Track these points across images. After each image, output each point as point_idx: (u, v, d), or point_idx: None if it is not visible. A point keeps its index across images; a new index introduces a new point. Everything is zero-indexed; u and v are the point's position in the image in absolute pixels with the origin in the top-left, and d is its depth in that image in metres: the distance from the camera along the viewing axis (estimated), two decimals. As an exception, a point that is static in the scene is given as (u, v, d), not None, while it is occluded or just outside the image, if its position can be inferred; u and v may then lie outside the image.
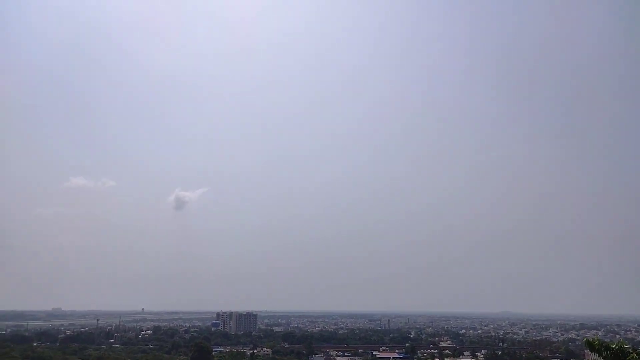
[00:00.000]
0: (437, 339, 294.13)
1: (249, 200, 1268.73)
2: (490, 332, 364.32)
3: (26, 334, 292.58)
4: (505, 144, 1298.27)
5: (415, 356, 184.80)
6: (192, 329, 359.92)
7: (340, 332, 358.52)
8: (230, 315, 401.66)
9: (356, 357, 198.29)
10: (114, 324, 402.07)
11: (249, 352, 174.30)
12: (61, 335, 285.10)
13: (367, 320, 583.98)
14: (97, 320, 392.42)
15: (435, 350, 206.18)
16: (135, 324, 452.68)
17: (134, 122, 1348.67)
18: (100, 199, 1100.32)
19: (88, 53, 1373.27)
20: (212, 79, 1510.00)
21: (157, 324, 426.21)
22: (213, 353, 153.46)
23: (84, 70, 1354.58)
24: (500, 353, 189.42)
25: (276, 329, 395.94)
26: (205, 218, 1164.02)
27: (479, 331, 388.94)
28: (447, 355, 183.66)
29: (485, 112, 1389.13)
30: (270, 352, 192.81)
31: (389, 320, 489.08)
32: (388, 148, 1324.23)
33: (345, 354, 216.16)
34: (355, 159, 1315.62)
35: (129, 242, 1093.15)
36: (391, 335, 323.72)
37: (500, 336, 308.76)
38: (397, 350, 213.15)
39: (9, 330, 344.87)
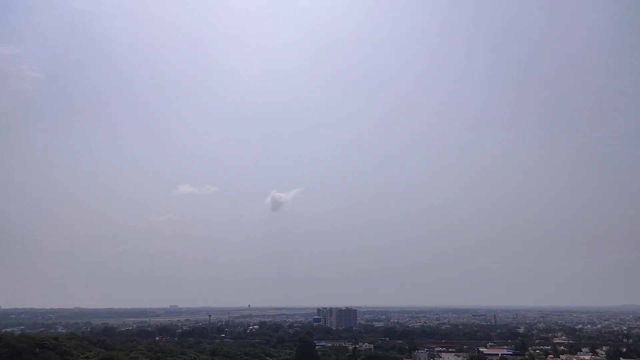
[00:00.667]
0: (550, 334, 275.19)
1: (342, 200, 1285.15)
2: (611, 327, 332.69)
3: (149, 329, 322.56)
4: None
5: (527, 353, 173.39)
6: (295, 324, 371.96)
7: (443, 327, 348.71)
8: (330, 310, 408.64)
9: (461, 354, 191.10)
10: (224, 320, 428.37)
11: (350, 347, 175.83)
12: (179, 330, 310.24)
13: (470, 316, 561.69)
14: (209, 316, 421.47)
15: (549, 347, 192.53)
16: (242, 320, 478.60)
17: (229, 130, 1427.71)
18: (204, 203, 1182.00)
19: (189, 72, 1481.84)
20: (303, 82, 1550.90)
21: (262, 319, 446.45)
22: (316, 348, 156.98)
23: (185, 91, 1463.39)
24: (625, 350, 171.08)
25: (376, 324, 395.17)
26: (301, 217, 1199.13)
27: (598, 326, 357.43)
28: (563, 352, 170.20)
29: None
30: (372, 347, 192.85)
31: (495, 315, 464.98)
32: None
33: (450, 349, 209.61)
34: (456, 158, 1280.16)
35: (231, 243, 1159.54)
36: (498, 330, 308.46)
37: (624, 331, 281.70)
38: (505, 347, 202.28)
39: (134, 325, 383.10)
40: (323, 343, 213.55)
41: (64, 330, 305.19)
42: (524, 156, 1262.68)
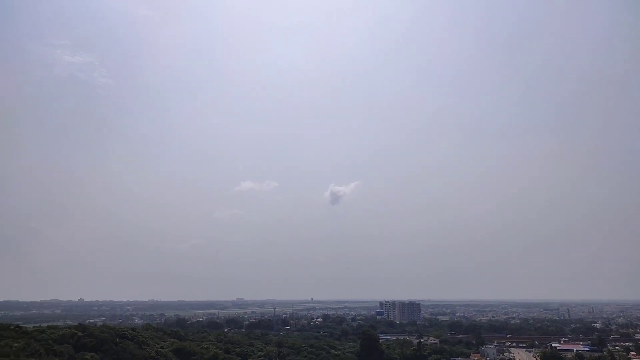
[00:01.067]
0: (630, 329, 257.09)
1: (402, 194, 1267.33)
2: None
3: (218, 320, 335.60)
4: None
5: (605, 349, 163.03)
6: (358, 318, 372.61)
7: (512, 322, 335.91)
8: (393, 304, 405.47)
9: (533, 349, 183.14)
10: (288, 312, 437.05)
11: (415, 341, 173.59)
12: (246, 322, 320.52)
13: (542, 310, 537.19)
14: (274, 309, 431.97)
15: (630, 343, 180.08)
16: (306, 312, 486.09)
17: (287, 125, 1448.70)
18: (265, 199, 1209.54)
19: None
20: (365, 75, 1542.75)
21: (325, 312, 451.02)
22: (380, 341, 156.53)
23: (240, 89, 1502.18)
24: None
25: (441, 318, 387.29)
26: (360, 210, 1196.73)
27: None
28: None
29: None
30: (438, 342, 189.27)
31: (568, 310, 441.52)
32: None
33: (520, 345, 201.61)
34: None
35: (292, 237, 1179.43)
36: (572, 325, 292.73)
37: None
38: (581, 342, 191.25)
39: (204, 317, 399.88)
40: (388, 336, 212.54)
41: (140, 322, 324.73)
42: (601, 148, 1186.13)
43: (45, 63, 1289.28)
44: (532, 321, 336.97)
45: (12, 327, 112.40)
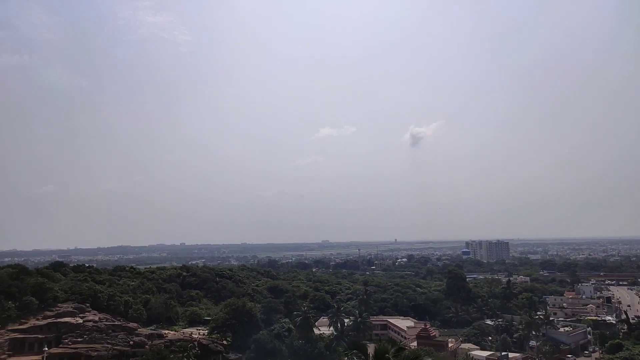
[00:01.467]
0: None
1: (488, 133, 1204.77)
2: None
3: (306, 261, 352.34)
4: None
5: None
6: (443, 257, 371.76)
7: (611, 259, 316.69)
8: (480, 243, 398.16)
9: (635, 287, 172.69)
10: (373, 253, 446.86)
11: (504, 279, 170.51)
12: (332, 263, 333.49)
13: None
14: (359, 250, 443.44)
15: None
16: (390, 253, 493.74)
17: (364, 66, 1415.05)
18: (344, 144, 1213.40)
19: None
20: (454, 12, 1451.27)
21: (409, 252, 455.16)
22: (467, 280, 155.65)
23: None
24: None
25: (532, 257, 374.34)
26: (442, 151, 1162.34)
27: None
28: None
29: None
30: (528, 280, 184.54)
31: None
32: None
33: (620, 282, 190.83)
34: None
35: (372, 180, 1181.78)
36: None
37: None
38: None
39: (293, 258, 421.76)
40: (475, 275, 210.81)
41: (235, 263, 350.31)
42: None
43: (131, 26, 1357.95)
44: (634, 259, 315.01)
45: (127, 268, 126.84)
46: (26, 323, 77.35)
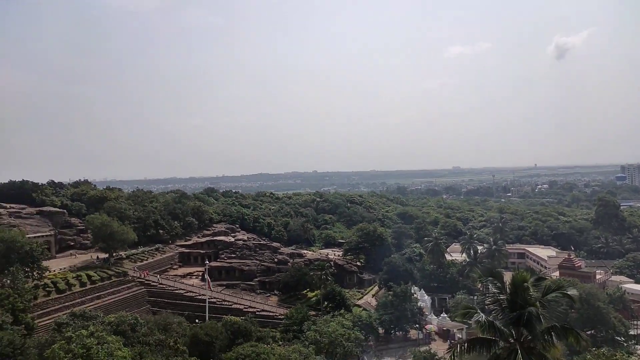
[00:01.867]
0: None
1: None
2: None
3: (436, 188, 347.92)
4: None
5: None
6: (593, 183, 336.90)
7: None
8: (638, 168, 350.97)
9: None
10: (509, 179, 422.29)
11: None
12: (464, 189, 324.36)
13: None
14: (493, 176, 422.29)
15: None
16: (529, 179, 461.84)
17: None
18: (478, 62, 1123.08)
19: None
20: None
21: (552, 178, 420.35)
22: (621, 208, 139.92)
23: None
24: None
25: None
26: (594, 63, 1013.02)
27: None
28: None
29: None
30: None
31: None
32: None
33: None
34: None
35: (510, 99, 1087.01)
36: None
37: None
38: None
39: (422, 185, 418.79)
40: (631, 203, 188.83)
41: (365, 189, 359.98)
42: None
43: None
44: None
45: (267, 194, 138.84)
46: (190, 240, 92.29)
